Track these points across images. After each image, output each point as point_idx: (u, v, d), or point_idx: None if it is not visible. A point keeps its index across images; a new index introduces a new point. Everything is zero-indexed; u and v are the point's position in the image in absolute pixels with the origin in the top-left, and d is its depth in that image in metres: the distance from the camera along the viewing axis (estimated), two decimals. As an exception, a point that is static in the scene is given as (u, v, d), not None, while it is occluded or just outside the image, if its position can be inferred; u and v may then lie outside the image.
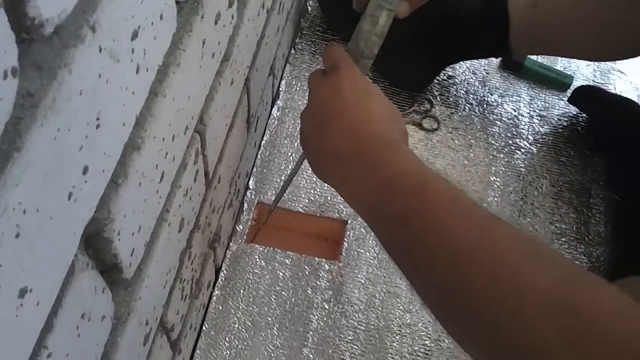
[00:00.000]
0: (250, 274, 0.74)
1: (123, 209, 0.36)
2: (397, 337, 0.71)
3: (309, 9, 0.99)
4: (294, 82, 0.91)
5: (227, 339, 0.70)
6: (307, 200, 0.80)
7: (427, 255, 0.44)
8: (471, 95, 0.93)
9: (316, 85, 0.56)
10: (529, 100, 0.93)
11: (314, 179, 0.81)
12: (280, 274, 0.74)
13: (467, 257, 0.41)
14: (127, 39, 0.31)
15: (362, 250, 0.77)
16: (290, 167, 0.83)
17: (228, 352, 0.69)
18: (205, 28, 0.44)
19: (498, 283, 0.39)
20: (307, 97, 0.88)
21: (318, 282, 0.74)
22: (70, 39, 0.26)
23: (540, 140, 0.89)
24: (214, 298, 0.72)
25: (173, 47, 0.39)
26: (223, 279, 0.73)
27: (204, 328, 0.70)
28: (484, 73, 0.95)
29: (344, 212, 0.79)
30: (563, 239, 0.80)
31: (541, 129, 0.90)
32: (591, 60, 0.95)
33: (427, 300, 0.46)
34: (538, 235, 0.80)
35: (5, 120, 0.23)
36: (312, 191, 0.80)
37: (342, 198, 0.54)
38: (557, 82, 0.95)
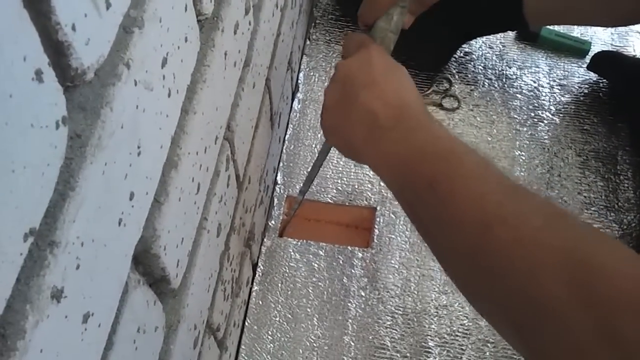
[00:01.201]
0: (286, 267, 0.76)
1: (166, 225, 0.38)
2: (435, 319, 0.73)
3: (320, -3, 1.00)
4: (311, 74, 0.92)
5: (269, 332, 0.72)
6: (335, 191, 0.81)
7: (452, 216, 0.45)
8: (489, 70, 0.93)
9: (343, 63, 0.58)
10: (548, 70, 0.93)
11: (340, 169, 0.82)
12: (315, 265, 0.76)
13: (492, 218, 0.42)
14: (158, 68, 0.33)
15: (393, 236, 0.78)
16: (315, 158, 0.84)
17: (272, 345, 0.71)
18: (225, 40, 0.45)
19: (520, 243, 0.40)
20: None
21: (353, 271, 0.76)
22: (108, 78, 0.27)
23: (563, 110, 0.89)
24: (254, 294, 0.74)
25: (198, 65, 0.41)
26: (260, 274, 0.75)
27: (246, 324, 0.72)
28: (500, 46, 0.95)
29: (373, 200, 0.80)
30: (593, 209, 0.81)
31: (562, 99, 0.90)
32: (607, 27, 0.94)
33: (448, 262, 0.46)
34: (567, 207, 0.81)
35: (60, 165, 0.24)
36: (339, 181, 0.82)
37: (367, 165, 0.56)
38: (575, 49, 0.94)
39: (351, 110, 0.54)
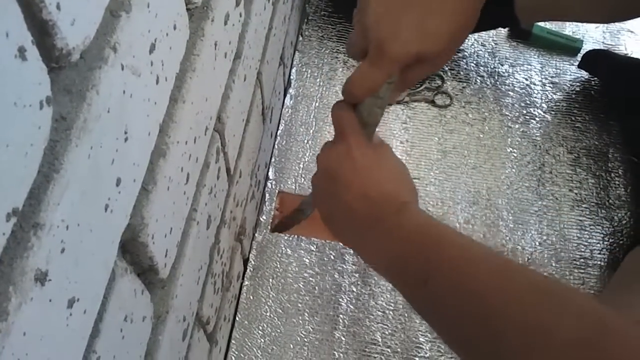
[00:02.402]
0: (277, 262, 0.76)
1: (154, 213, 0.38)
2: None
3: (313, -6, 1.00)
4: (304, 69, 0.92)
5: (260, 327, 0.72)
6: (327, 186, 0.81)
7: (453, 311, 0.45)
8: (482, 68, 0.93)
9: (325, 152, 0.57)
10: (540, 68, 0.93)
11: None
12: (307, 260, 0.76)
13: (493, 309, 0.42)
14: (146, 53, 0.32)
15: (384, 231, 0.78)
16: (307, 155, 0.84)
17: (262, 340, 0.71)
18: (216, 30, 0.45)
19: (527, 336, 0.40)
20: (318, 84, 0.89)
21: (344, 266, 0.76)
22: (95, 62, 0.27)
23: (554, 107, 0.89)
24: (244, 289, 0.74)
25: (188, 54, 0.40)
26: (251, 269, 0.75)
27: (237, 318, 0.72)
28: (492, 44, 0.95)
29: (364, 195, 0.80)
30: (584, 206, 0.81)
31: (554, 96, 0.90)
32: (598, 23, 0.94)
33: (457, 350, 0.46)
34: (559, 204, 0.81)
35: (44, 146, 0.24)
36: (331, 177, 0.82)
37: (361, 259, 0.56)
38: (566, 47, 0.94)
39: (335, 208, 0.55)
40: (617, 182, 0.83)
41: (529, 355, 0.40)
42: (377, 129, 0.57)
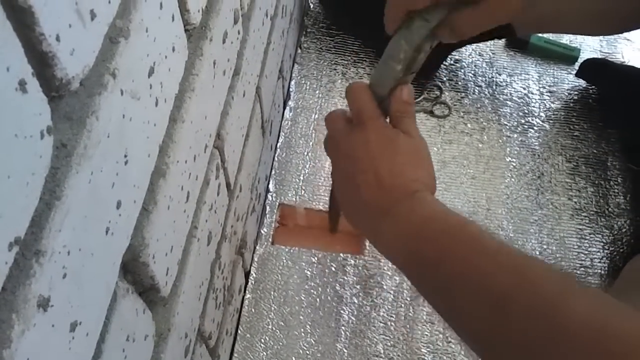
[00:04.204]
0: (279, 275, 0.76)
1: (155, 233, 0.38)
2: (427, 326, 0.73)
3: (311, 6, 1.00)
4: (303, 82, 0.92)
5: (262, 340, 0.72)
6: (327, 198, 0.81)
7: (464, 295, 0.45)
8: (480, 78, 0.93)
9: (343, 137, 0.56)
10: (537, 77, 0.93)
11: (332, 177, 0.83)
12: (308, 272, 0.76)
13: (504, 293, 0.42)
14: (145, 77, 0.33)
15: (385, 242, 0.78)
16: (307, 167, 0.84)
17: (264, 353, 0.71)
18: (214, 49, 0.46)
19: (537, 318, 0.40)
20: (317, 96, 0.90)
21: (345, 278, 0.76)
22: (94, 88, 0.28)
23: (553, 116, 0.90)
24: (246, 302, 0.74)
25: (187, 74, 0.41)
26: (253, 282, 0.75)
27: (239, 332, 0.72)
28: (490, 54, 0.96)
29: (364, 206, 0.80)
30: (583, 214, 0.81)
31: (552, 105, 0.91)
32: (594, 35, 0.95)
33: (465, 337, 0.46)
34: (558, 213, 0.81)
35: (45, 174, 0.24)
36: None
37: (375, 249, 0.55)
38: (564, 56, 0.95)
39: (352, 194, 0.55)
40: (616, 190, 0.83)
41: (543, 340, 0.39)
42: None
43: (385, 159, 0.53)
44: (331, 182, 0.60)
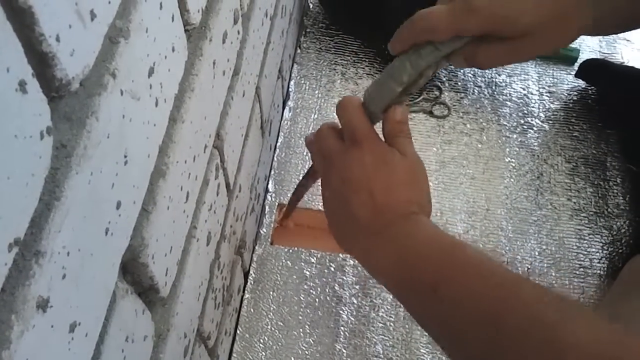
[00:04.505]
0: (278, 275, 0.76)
1: (155, 233, 0.38)
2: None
3: (311, 6, 1.00)
4: (302, 82, 0.92)
5: (261, 340, 0.72)
6: (326, 198, 0.81)
7: (462, 321, 0.44)
8: (479, 78, 0.93)
9: (337, 155, 0.54)
10: (537, 78, 0.93)
11: (331, 177, 0.82)
12: (307, 272, 0.76)
13: (504, 321, 0.42)
14: (145, 77, 0.33)
15: (384, 243, 0.78)
16: (306, 167, 0.84)
17: (263, 353, 0.71)
18: (214, 49, 0.46)
19: (538, 344, 0.40)
20: (316, 97, 0.90)
21: (344, 278, 0.76)
22: (94, 88, 0.28)
23: (552, 116, 0.90)
24: (245, 302, 0.74)
25: (186, 74, 0.41)
26: (252, 282, 0.75)
27: (238, 332, 0.72)
28: (490, 54, 0.96)
29: (364, 207, 0.80)
30: (582, 215, 0.81)
31: (552, 106, 0.91)
32: (592, 35, 0.95)
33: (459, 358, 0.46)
34: (557, 213, 0.81)
35: (44, 175, 0.24)
36: (330, 189, 0.82)
37: (365, 270, 0.54)
38: (563, 57, 0.95)
39: (343, 213, 0.53)
40: (615, 191, 0.83)
41: None
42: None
43: (381, 179, 0.51)
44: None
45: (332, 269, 0.76)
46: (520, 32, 0.48)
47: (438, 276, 0.46)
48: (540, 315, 0.41)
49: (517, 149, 0.87)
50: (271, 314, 0.74)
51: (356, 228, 0.52)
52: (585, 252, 0.79)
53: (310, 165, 0.67)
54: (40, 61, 0.23)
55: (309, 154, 0.85)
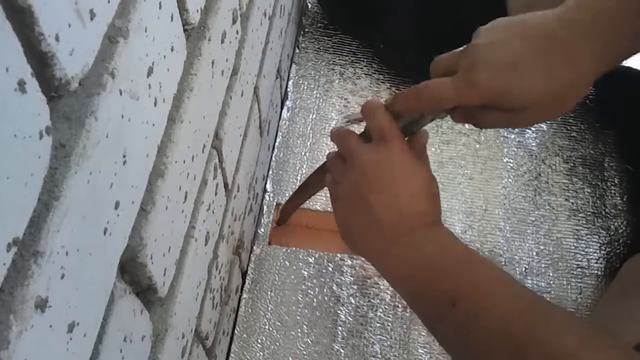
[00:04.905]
0: (276, 275, 0.76)
1: (153, 233, 0.38)
2: (425, 328, 0.73)
3: (309, 6, 1.00)
4: (300, 82, 0.92)
5: (259, 340, 0.72)
6: (324, 198, 0.81)
7: (480, 336, 0.43)
8: (477, 78, 0.93)
9: (362, 152, 0.53)
10: (535, 78, 0.93)
11: (330, 177, 0.82)
12: (305, 272, 0.76)
13: (523, 340, 0.41)
14: (144, 77, 0.33)
15: (382, 243, 0.78)
16: (305, 167, 0.84)
17: (261, 353, 0.71)
18: (213, 49, 0.46)
19: (556, 357, 0.39)
20: (315, 96, 0.90)
21: (343, 278, 0.76)
22: (93, 88, 0.27)
23: (550, 117, 0.90)
24: (243, 302, 0.74)
25: (185, 74, 0.41)
26: (250, 282, 0.75)
27: (236, 332, 0.72)
28: (488, 55, 0.96)
29: (362, 207, 0.80)
30: (580, 215, 0.81)
31: (550, 106, 0.91)
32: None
33: None
34: (555, 213, 0.81)
35: (43, 175, 0.24)
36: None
37: (379, 272, 0.53)
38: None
39: (360, 211, 0.52)
40: (613, 191, 0.84)
41: None
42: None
43: (408, 183, 0.50)
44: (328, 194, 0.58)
45: (330, 269, 0.76)
46: (518, 107, 0.49)
47: (457, 289, 0.45)
48: (564, 346, 0.40)
49: (515, 149, 0.87)
50: (269, 314, 0.73)
51: (375, 230, 0.51)
52: (583, 253, 0.79)
53: (320, 165, 0.66)
54: (40, 61, 0.23)
55: (308, 154, 0.85)
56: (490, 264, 0.47)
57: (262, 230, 0.79)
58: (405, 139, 0.53)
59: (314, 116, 0.89)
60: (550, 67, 0.47)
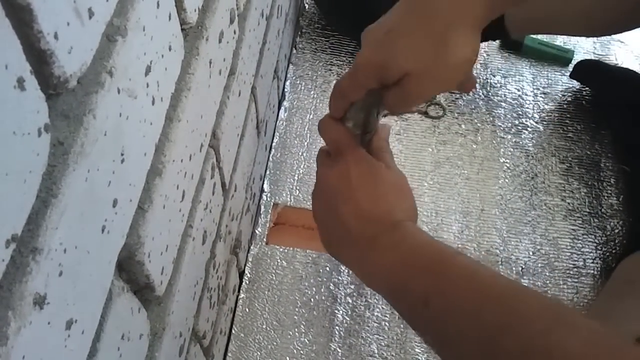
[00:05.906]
0: (273, 274, 0.76)
1: (151, 232, 0.38)
2: (420, 325, 0.73)
3: (306, 6, 1.00)
4: (298, 82, 0.92)
5: (256, 339, 0.72)
6: (321, 198, 0.81)
7: (454, 332, 0.44)
8: (474, 79, 0.94)
9: (324, 169, 0.55)
10: (531, 79, 0.94)
11: (327, 177, 0.83)
12: (302, 272, 0.76)
13: (495, 331, 0.41)
14: (142, 76, 0.33)
15: (379, 243, 0.78)
16: (302, 167, 0.84)
17: (258, 352, 0.71)
18: (210, 49, 0.46)
19: (529, 353, 0.39)
20: (312, 97, 0.90)
21: (340, 278, 0.76)
22: (91, 86, 0.28)
23: (546, 117, 0.90)
24: (240, 301, 0.74)
25: (183, 73, 0.41)
26: (247, 282, 0.76)
27: (233, 331, 0.72)
28: (484, 55, 0.96)
29: (359, 207, 0.81)
30: (576, 215, 0.82)
31: (546, 107, 0.91)
32: (587, 37, 0.96)
33: None
34: (551, 214, 0.82)
35: (42, 172, 0.24)
36: (325, 188, 0.82)
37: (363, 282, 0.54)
38: (558, 58, 0.95)
39: (332, 224, 0.53)
40: (609, 192, 0.84)
41: None
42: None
43: (367, 189, 0.52)
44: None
45: (327, 268, 0.76)
46: (399, 73, 0.49)
47: (428, 290, 0.46)
48: (537, 331, 0.40)
49: (512, 150, 0.87)
50: (266, 313, 0.74)
51: (346, 238, 0.52)
52: (579, 252, 0.79)
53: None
54: (39, 58, 0.23)
55: (305, 154, 0.85)
56: (461, 257, 0.47)
57: (260, 230, 0.79)
58: (370, 136, 0.55)
59: (311, 116, 0.89)
60: (421, 25, 0.47)
